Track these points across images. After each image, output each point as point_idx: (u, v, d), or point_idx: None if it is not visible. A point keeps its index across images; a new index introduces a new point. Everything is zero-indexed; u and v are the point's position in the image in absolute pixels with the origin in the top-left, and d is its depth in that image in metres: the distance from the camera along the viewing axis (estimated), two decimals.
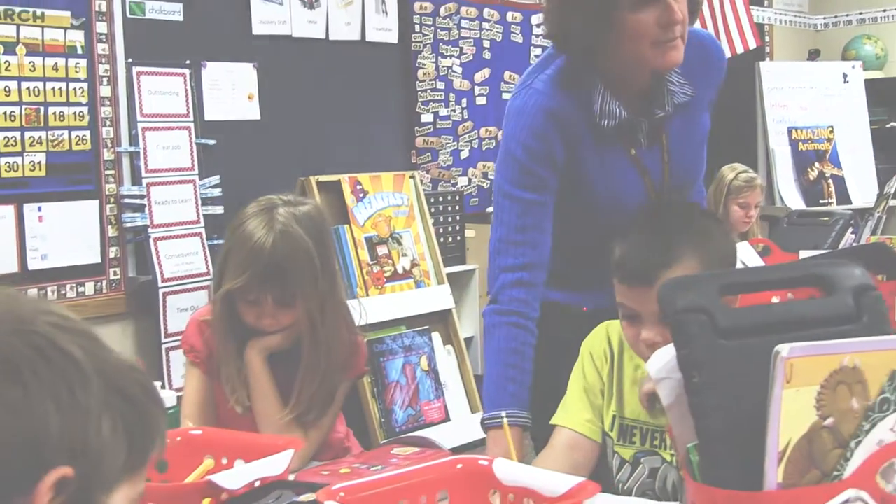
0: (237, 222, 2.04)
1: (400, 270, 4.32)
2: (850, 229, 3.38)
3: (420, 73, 4.89)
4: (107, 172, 3.75)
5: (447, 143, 5.03)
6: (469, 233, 4.87)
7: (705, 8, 5.37)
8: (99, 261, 3.70)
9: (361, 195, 4.25)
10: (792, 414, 1.19)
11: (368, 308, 4.23)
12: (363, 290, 4.15)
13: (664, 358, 1.34)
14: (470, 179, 5.15)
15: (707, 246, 1.70)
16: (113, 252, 3.75)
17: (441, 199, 4.83)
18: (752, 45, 5.28)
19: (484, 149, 5.21)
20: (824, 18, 7.69)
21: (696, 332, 1.26)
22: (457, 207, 4.89)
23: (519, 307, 1.95)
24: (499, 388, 1.94)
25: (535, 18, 5.42)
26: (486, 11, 5.18)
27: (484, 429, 1.94)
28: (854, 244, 3.33)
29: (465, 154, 5.12)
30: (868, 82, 6.88)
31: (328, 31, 4.48)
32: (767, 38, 7.19)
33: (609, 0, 1.81)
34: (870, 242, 3.24)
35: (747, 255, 3.34)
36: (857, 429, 1.22)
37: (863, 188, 6.38)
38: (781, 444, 1.19)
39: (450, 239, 4.80)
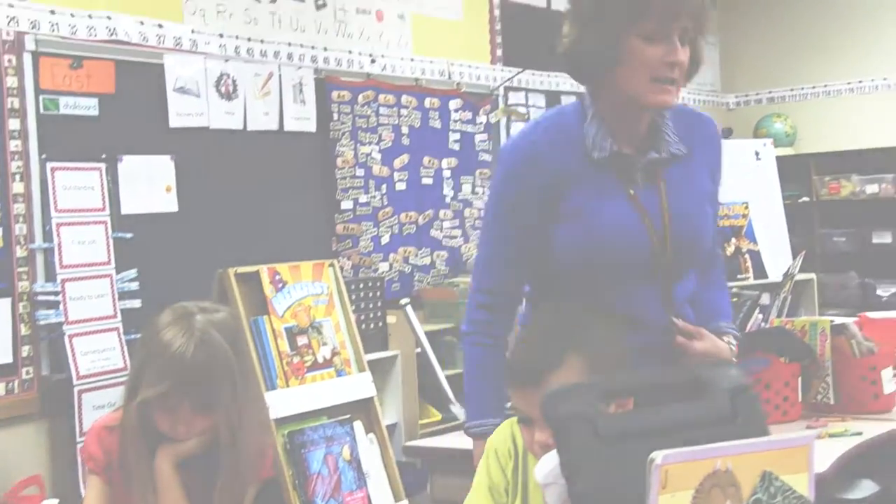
0: (152, 331, 2.06)
1: (320, 360, 4.33)
2: (758, 309, 3.48)
3: (339, 160, 4.96)
4: (19, 269, 3.74)
5: (367, 230, 5.09)
6: (390, 319, 4.91)
7: None
8: (11, 360, 3.67)
9: (280, 285, 4.27)
10: None
11: (289, 399, 4.24)
12: (283, 381, 4.15)
13: (550, 463, 1.40)
14: (391, 265, 5.21)
15: (594, 348, 1.73)
16: (26, 350, 3.73)
17: (362, 285, 4.88)
18: None
19: (404, 234, 5.28)
20: (736, 97, 7.97)
21: (577, 438, 1.31)
22: (378, 294, 4.93)
23: (480, 328, 2.11)
24: (478, 401, 2.14)
25: (453, 104, 5.55)
26: (404, 98, 5.29)
27: (470, 436, 2.14)
28: (761, 325, 3.44)
29: (385, 240, 5.18)
30: (779, 159, 7.11)
31: (246, 121, 4.54)
32: None
33: (626, 25, 1.93)
34: (772, 326, 3.34)
35: None
36: None
37: (778, 263, 6.55)
38: None
39: (371, 325, 4.84)
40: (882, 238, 7.25)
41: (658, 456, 1.23)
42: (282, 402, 4.10)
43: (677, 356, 2.06)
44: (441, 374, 4.37)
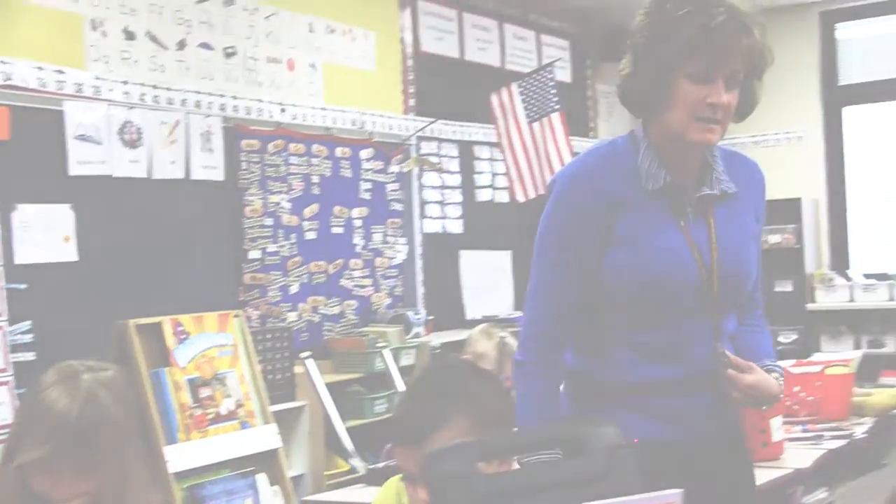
0: (35, 391, 2.00)
1: (224, 412, 4.25)
2: None
3: (247, 209, 4.92)
4: None
5: (276, 279, 5.05)
6: (298, 369, 4.86)
7: (528, 141, 5.60)
8: None
9: (183, 337, 4.20)
10: None
11: (190, 453, 4.15)
12: (184, 434, 4.07)
13: None
14: (300, 315, 5.17)
15: (480, 406, 1.73)
16: None
17: (269, 335, 4.82)
18: None
19: (314, 283, 5.25)
20: None
21: (452, 499, 1.30)
22: (285, 344, 4.88)
23: (538, 357, 2.12)
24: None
25: (365, 153, 5.55)
26: (315, 147, 5.28)
27: None
28: None
29: (294, 289, 5.14)
30: None
31: (151, 169, 4.49)
32: None
33: (675, 64, 2.00)
34: None
35: None
36: None
37: None
38: None
39: (278, 376, 4.78)
40: (784, 287, 7.40)
41: None
42: (182, 455, 4.01)
43: (725, 388, 2.10)
44: (341, 427, 4.31)
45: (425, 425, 1.69)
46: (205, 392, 4.24)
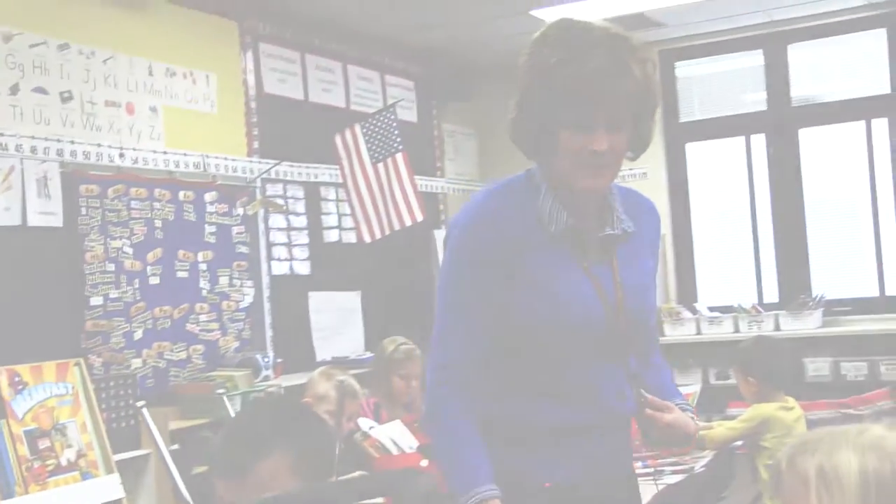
0: None
1: (64, 463, 4.28)
2: None
3: (88, 255, 4.95)
4: None
5: (119, 325, 5.08)
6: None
7: (374, 181, 5.77)
8: None
9: (20, 387, 4.22)
10: None
11: None
12: (22, 487, 4.08)
13: None
14: (145, 361, 5.21)
15: (301, 442, 1.85)
16: None
17: (112, 383, 4.85)
18: (419, 217, 5.70)
19: (159, 328, 5.30)
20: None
21: None
22: (129, 391, 4.91)
23: (444, 404, 2.11)
24: (466, 470, 2.06)
25: (209, 196, 5.64)
26: (157, 191, 5.34)
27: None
28: None
29: (138, 335, 5.18)
30: None
31: None
32: (442, 206, 7.75)
33: (550, 115, 2.04)
34: None
35: (398, 434, 3.60)
36: None
37: None
38: None
39: (123, 424, 4.80)
40: None
41: None
42: None
43: (643, 428, 2.16)
44: (178, 478, 4.35)
45: (247, 458, 1.81)
46: (44, 443, 4.26)
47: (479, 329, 2.11)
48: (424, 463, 3.19)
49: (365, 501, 1.52)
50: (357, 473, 3.49)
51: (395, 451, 3.41)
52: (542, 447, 2.12)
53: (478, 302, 2.10)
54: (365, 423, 3.74)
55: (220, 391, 4.99)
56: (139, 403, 4.55)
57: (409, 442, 3.43)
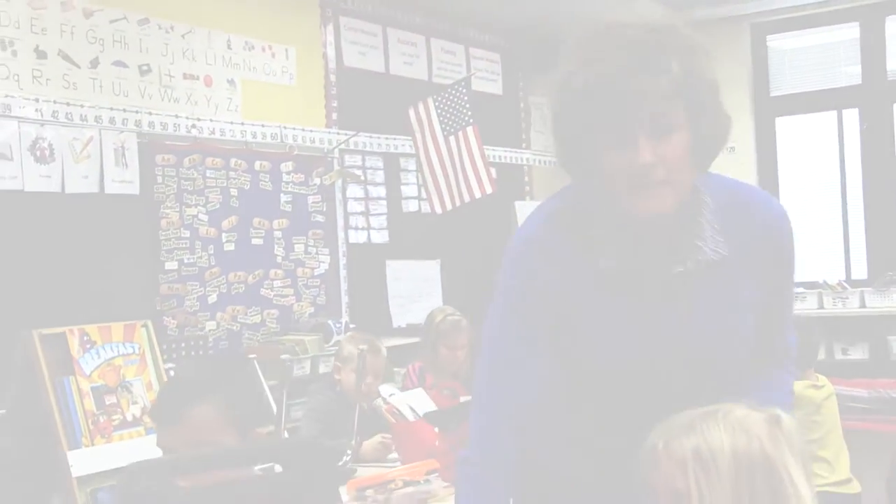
0: None
1: (129, 418, 4.41)
2: None
3: (163, 221, 5.06)
4: None
5: (193, 290, 5.18)
6: None
7: (445, 154, 5.74)
8: None
9: (88, 346, 4.35)
10: None
11: (93, 458, 4.29)
12: (88, 439, 4.22)
13: None
14: (219, 324, 5.30)
15: (231, 393, 2.02)
16: None
17: (184, 344, 4.97)
18: (489, 189, 5.65)
19: (233, 293, 5.39)
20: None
21: None
22: (201, 352, 5.02)
23: (479, 454, 1.80)
24: None
25: (285, 166, 5.69)
26: (233, 161, 5.41)
27: None
28: None
29: (212, 299, 5.28)
30: None
31: (64, 184, 4.62)
32: (527, 178, 7.67)
33: (589, 135, 1.72)
34: None
35: (417, 401, 3.59)
36: None
37: None
38: None
39: None
40: None
41: None
42: (86, 460, 4.18)
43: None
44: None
45: (181, 405, 1.93)
46: (110, 399, 4.39)
47: (530, 364, 1.81)
48: (435, 430, 3.17)
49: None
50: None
51: (411, 418, 3.41)
52: (574, 497, 1.88)
53: (529, 332, 1.81)
54: (386, 389, 3.74)
55: (285, 356, 5.06)
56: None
57: (429, 409, 3.43)
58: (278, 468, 1.53)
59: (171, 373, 4.64)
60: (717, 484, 1.39)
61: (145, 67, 5.02)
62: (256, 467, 1.50)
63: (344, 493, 2.92)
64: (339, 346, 4.22)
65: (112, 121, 4.84)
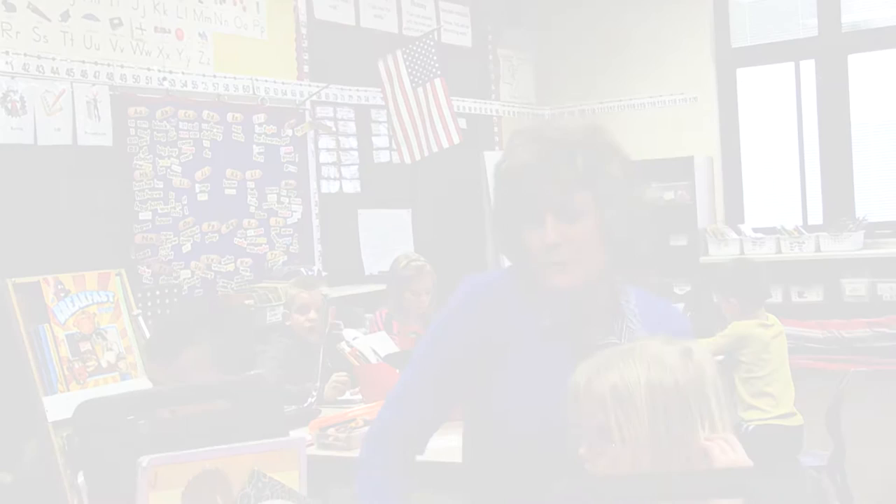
0: None
1: (104, 364, 4.38)
2: None
3: (137, 173, 5.00)
4: None
5: (168, 239, 5.14)
6: None
7: (413, 105, 5.69)
8: None
9: (63, 294, 4.31)
10: None
11: (69, 403, 4.27)
12: (64, 385, 4.20)
13: None
14: (193, 272, 5.27)
15: (219, 336, 2.03)
16: None
17: (158, 292, 4.94)
18: (455, 140, 5.61)
19: (207, 242, 5.35)
20: (550, 110, 8.22)
21: (97, 448, 1.44)
22: (175, 300, 5.00)
23: (370, 458, 1.85)
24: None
25: (257, 118, 5.63)
26: (206, 113, 5.35)
27: None
28: None
29: (187, 248, 5.24)
30: None
31: (36, 136, 4.55)
32: (496, 129, 7.63)
33: (511, 218, 1.85)
34: None
35: (379, 344, 3.58)
36: None
37: None
38: None
39: None
40: (678, 241, 7.57)
41: (145, 460, 1.36)
42: (61, 405, 4.15)
43: None
44: None
45: (173, 346, 1.99)
46: (85, 346, 4.37)
47: (437, 398, 1.88)
48: (396, 371, 3.18)
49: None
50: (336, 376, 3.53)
51: (374, 360, 3.40)
52: None
53: (444, 368, 1.87)
54: (351, 333, 3.73)
55: (248, 301, 5.08)
56: None
57: (391, 351, 3.43)
58: (226, 404, 1.53)
59: (149, 321, 4.62)
60: (634, 417, 1.41)
61: (116, 21, 4.93)
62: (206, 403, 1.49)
63: (307, 432, 2.93)
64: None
65: (84, 74, 4.75)
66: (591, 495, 1.29)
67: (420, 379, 1.88)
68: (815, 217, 7.66)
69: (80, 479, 1.50)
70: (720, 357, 3.97)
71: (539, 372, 1.82)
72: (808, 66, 7.60)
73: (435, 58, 5.64)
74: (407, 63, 5.69)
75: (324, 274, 5.79)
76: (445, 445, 2.11)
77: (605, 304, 1.87)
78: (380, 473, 1.82)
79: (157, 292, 4.94)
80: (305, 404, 3.17)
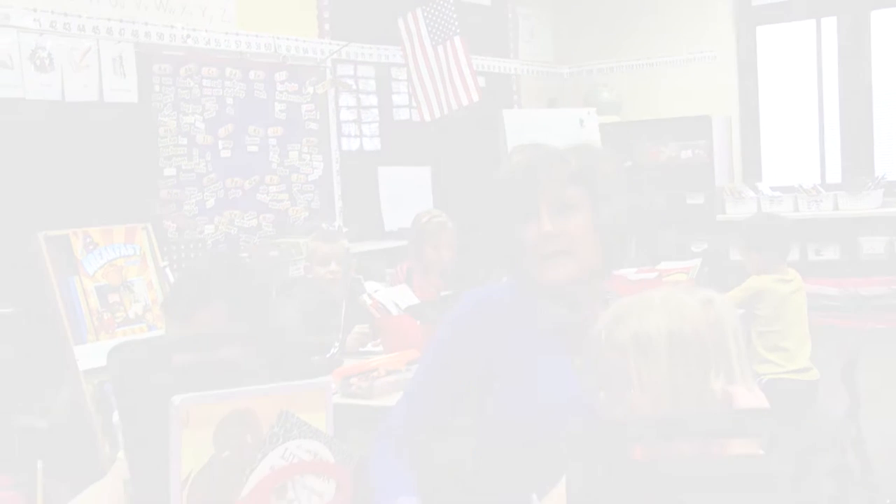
0: None
1: (132, 315, 4.44)
2: None
3: (161, 129, 5.03)
4: None
5: (192, 195, 5.18)
6: None
7: (433, 63, 5.68)
8: None
9: (91, 247, 4.36)
10: (191, 451, 1.41)
11: (98, 352, 4.34)
12: (93, 335, 4.26)
13: None
14: (217, 227, 5.31)
15: (236, 295, 2.04)
16: None
17: (183, 246, 4.99)
18: (475, 97, 5.60)
19: (230, 198, 5.39)
20: (569, 69, 8.18)
21: (131, 386, 1.48)
22: (200, 254, 5.05)
23: (381, 455, 1.89)
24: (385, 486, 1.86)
25: (278, 76, 5.64)
26: (228, 70, 5.36)
27: None
28: None
29: (210, 204, 5.28)
30: (606, 126, 7.35)
31: (64, 92, 4.58)
32: (515, 87, 7.61)
33: (506, 213, 1.89)
34: None
35: (400, 297, 3.61)
36: (253, 458, 1.45)
37: None
38: (183, 475, 1.41)
39: None
40: (695, 199, 7.56)
41: (178, 398, 1.39)
42: (91, 354, 4.22)
43: None
44: None
45: (191, 304, 2.01)
46: (113, 298, 4.42)
47: (443, 401, 1.92)
48: (417, 322, 3.21)
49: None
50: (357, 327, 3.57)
51: (395, 313, 3.44)
52: None
53: (453, 371, 1.91)
54: (371, 286, 3.76)
55: (273, 252, 5.12)
56: None
57: (412, 303, 3.46)
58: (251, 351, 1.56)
59: (175, 274, 4.67)
60: (654, 365, 1.41)
61: None
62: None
63: (331, 380, 2.96)
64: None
65: (109, 31, 4.78)
66: (608, 433, 1.31)
67: (424, 388, 1.92)
68: (834, 176, 7.63)
69: (115, 418, 1.54)
70: (740, 311, 3.99)
71: (539, 377, 1.84)
72: (830, 24, 7.52)
73: (454, 16, 5.61)
74: (427, 21, 5.68)
75: (344, 230, 5.82)
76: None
77: (603, 305, 1.84)
78: (394, 462, 1.86)
79: (182, 246, 4.99)
80: (328, 355, 3.21)
